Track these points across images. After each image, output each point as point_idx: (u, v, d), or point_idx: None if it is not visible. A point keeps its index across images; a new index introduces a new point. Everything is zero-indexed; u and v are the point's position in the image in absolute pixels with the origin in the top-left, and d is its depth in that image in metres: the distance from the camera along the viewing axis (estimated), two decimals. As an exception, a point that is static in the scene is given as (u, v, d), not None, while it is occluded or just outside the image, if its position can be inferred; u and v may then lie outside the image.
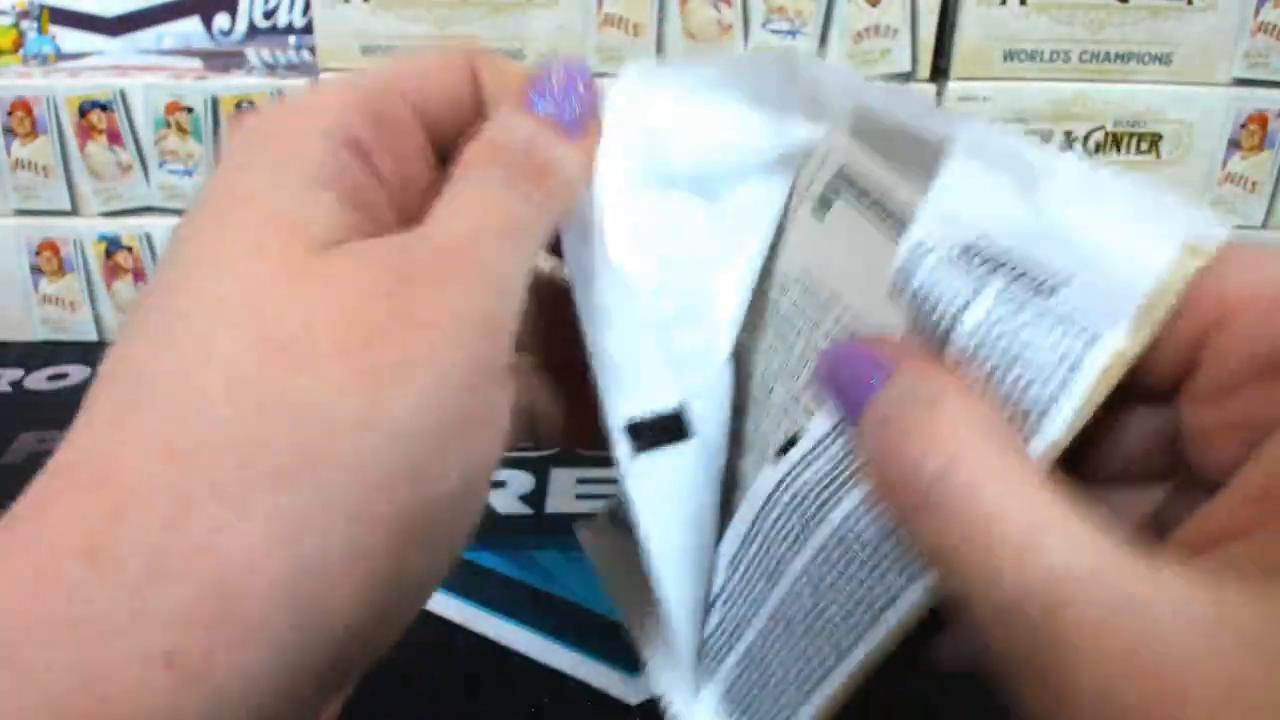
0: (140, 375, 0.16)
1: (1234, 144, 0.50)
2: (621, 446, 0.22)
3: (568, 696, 0.30)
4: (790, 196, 0.24)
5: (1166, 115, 0.49)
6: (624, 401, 0.22)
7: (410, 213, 0.20)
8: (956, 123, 0.18)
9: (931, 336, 0.17)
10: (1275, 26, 0.48)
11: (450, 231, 0.18)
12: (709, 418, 0.23)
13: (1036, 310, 0.16)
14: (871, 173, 0.22)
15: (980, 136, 0.18)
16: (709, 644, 0.23)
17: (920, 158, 0.19)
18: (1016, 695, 0.15)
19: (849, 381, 0.18)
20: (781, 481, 0.20)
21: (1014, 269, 0.17)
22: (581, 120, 0.22)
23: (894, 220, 0.21)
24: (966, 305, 0.16)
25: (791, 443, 0.20)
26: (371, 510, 0.16)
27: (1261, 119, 0.50)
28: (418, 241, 0.18)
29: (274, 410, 0.16)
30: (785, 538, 0.21)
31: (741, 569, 0.22)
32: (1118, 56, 0.49)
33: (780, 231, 0.24)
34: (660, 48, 0.48)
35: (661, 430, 0.22)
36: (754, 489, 0.21)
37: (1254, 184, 0.51)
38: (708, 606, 0.23)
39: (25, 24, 0.60)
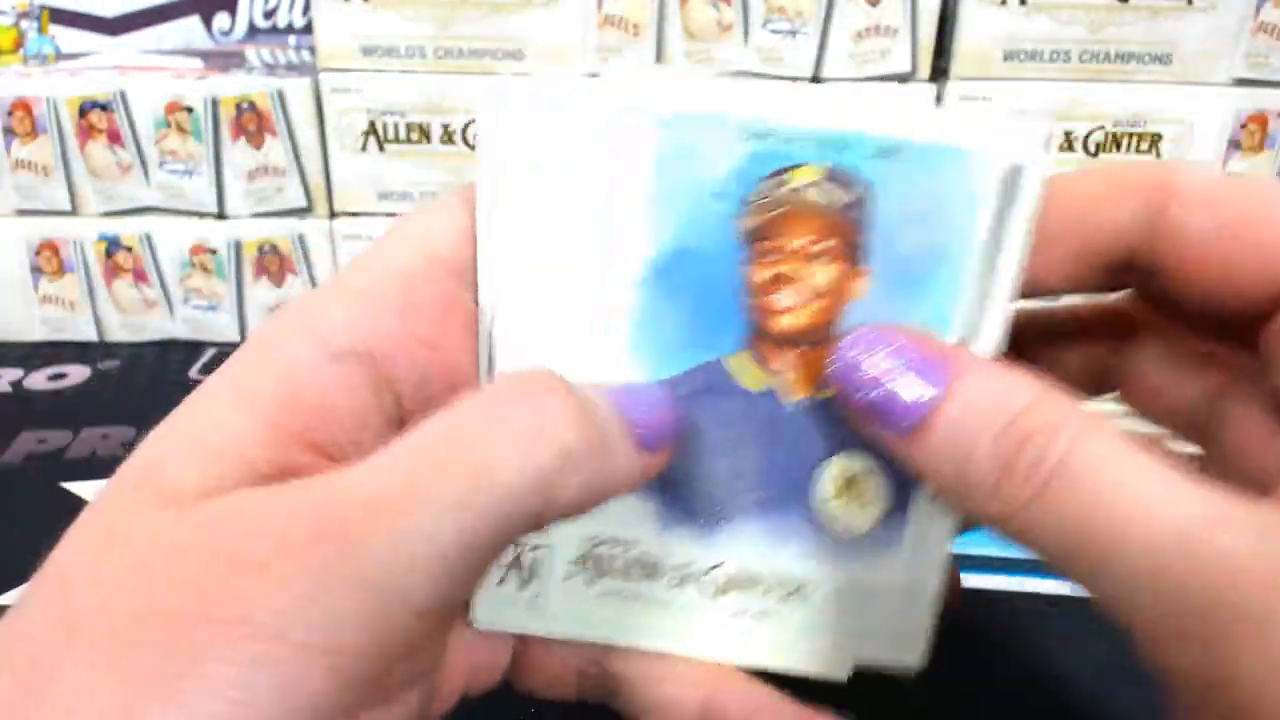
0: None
1: (1234, 144, 0.50)
2: None
3: (568, 696, 0.30)
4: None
5: (1166, 115, 0.49)
6: None
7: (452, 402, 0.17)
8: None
9: None
10: (1275, 26, 0.48)
11: (363, 489, 0.15)
12: None
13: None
14: None
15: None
16: None
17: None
18: (1185, 698, 0.15)
19: (897, 390, 0.17)
20: None
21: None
22: (658, 439, 0.19)
23: None
24: None
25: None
26: None
27: (1261, 119, 0.50)
28: (305, 507, 0.15)
29: (40, 693, 0.14)
30: None
31: None
32: (1118, 56, 0.49)
33: None
34: (660, 48, 0.48)
35: None
36: None
37: (1254, 184, 0.51)
38: None
39: (25, 24, 0.60)
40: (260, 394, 0.17)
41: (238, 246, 0.52)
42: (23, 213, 0.52)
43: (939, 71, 0.49)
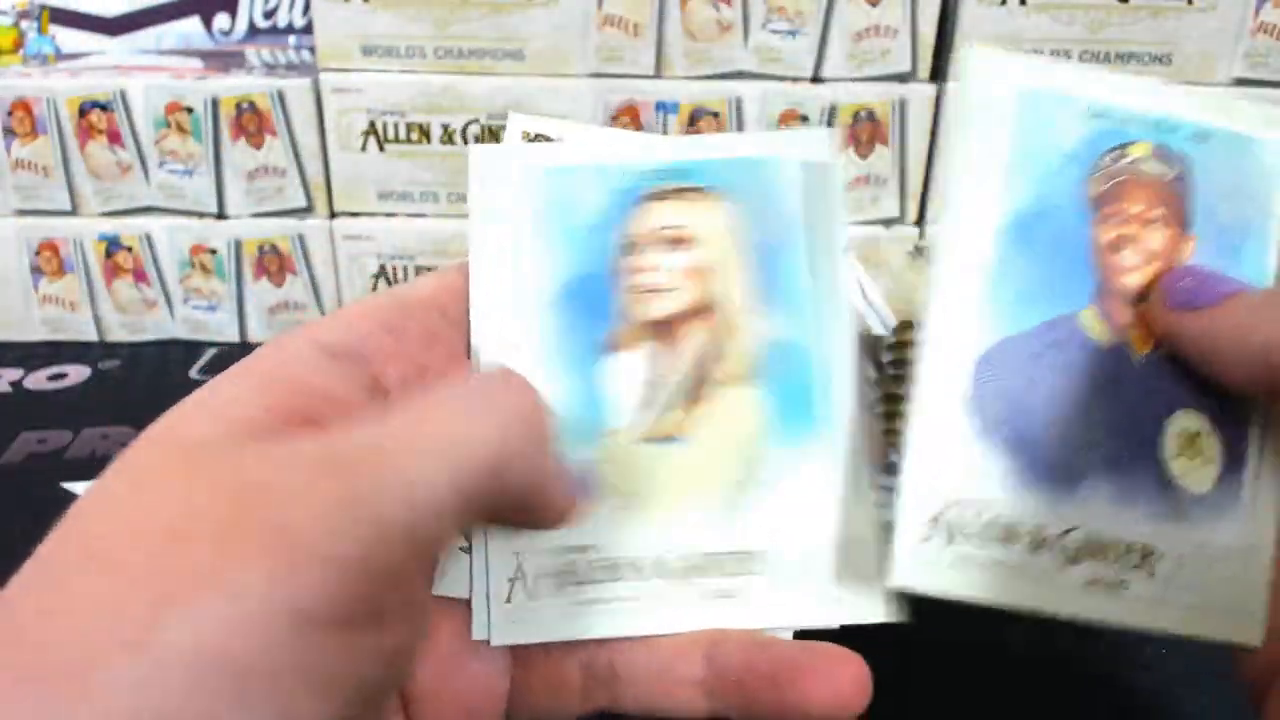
0: (16, 579, 0.16)
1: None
2: None
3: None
4: None
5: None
6: None
7: None
8: None
9: None
10: (1275, 26, 0.48)
11: (362, 440, 0.17)
12: None
13: None
14: None
15: None
16: None
17: None
18: None
19: (1206, 281, 0.21)
20: None
21: None
22: None
23: None
24: None
25: None
26: None
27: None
28: (311, 450, 0.17)
29: (63, 612, 0.15)
30: None
31: None
32: (1118, 56, 0.49)
33: None
34: (660, 48, 0.48)
35: None
36: None
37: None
38: None
39: (25, 24, 0.60)
40: (267, 379, 0.19)
41: (238, 246, 0.52)
42: (23, 213, 0.52)
43: (939, 71, 0.50)
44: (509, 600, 0.22)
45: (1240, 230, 0.22)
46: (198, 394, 0.19)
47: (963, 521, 0.21)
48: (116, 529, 0.16)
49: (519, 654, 0.23)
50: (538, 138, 0.25)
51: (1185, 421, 0.22)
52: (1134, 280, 0.22)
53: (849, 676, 0.21)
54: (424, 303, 0.22)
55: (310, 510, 0.16)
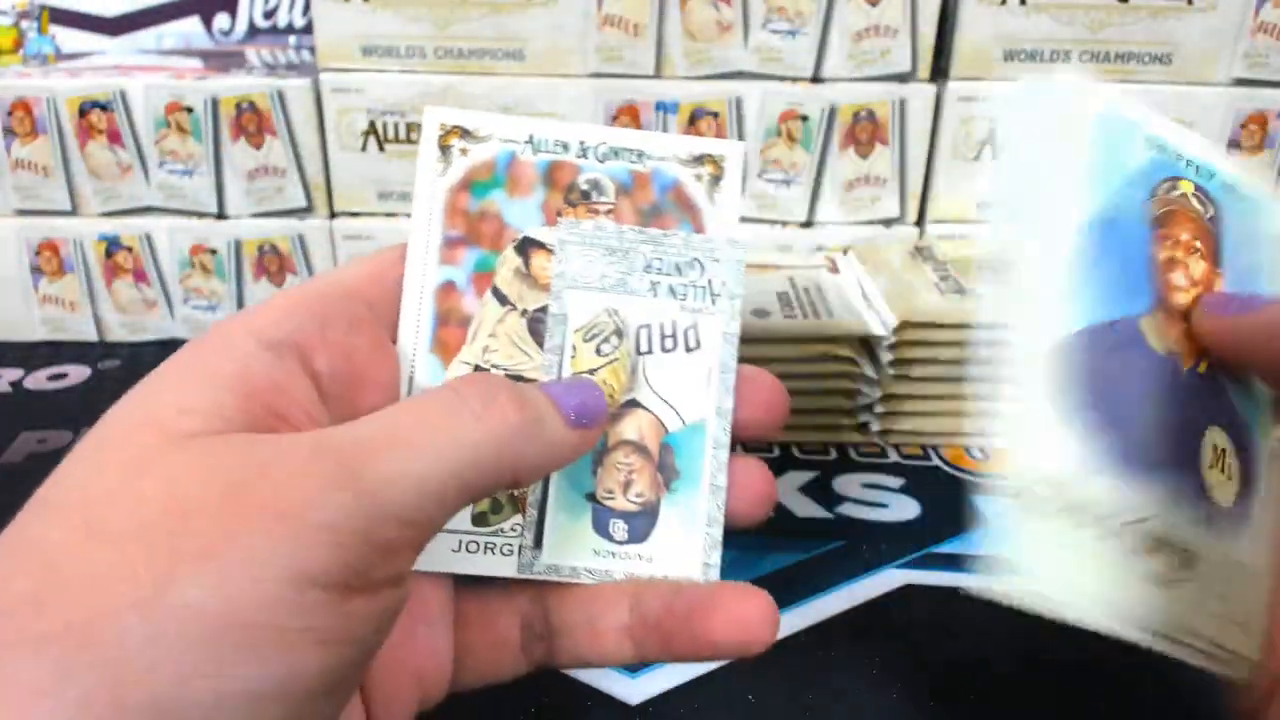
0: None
1: (1234, 144, 0.50)
2: None
3: (567, 696, 0.30)
4: None
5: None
6: None
7: (363, 402, 0.22)
8: None
9: None
10: (1275, 26, 0.48)
11: (354, 434, 0.19)
12: None
13: None
14: None
15: None
16: None
17: None
18: None
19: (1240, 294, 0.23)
20: None
21: None
22: (586, 419, 0.22)
23: None
24: None
25: None
26: (119, 698, 0.15)
27: (1261, 119, 0.50)
28: (304, 439, 0.18)
29: (61, 580, 0.16)
30: None
31: None
32: (1118, 56, 0.49)
33: None
34: (660, 48, 0.48)
35: None
36: None
37: (1254, 184, 0.51)
38: None
39: (25, 24, 0.60)
40: (218, 373, 0.20)
41: (238, 246, 0.52)
42: (23, 213, 0.52)
43: (939, 71, 0.50)
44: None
45: (1253, 276, 0.24)
46: (152, 389, 0.19)
47: (1043, 499, 0.22)
48: (115, 506, 0.17)
49: (461, 618, 0.24)
50: (454, 130, 0.25)
51: (1215, 437, 0.23)
52: (1181, 299, 0.24)
53: (753, 609, 0.22)
54: (348, 291, 0.23)
55: (310, 488, 0.17)
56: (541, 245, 0.25)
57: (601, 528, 0.24)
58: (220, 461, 0.18)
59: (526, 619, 0.24)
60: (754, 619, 0.22)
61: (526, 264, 0.25)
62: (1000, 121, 0.24)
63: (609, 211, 0.25)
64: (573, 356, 0.25)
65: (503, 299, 0.25)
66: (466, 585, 0.25)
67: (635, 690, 0.30)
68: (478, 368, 0.25)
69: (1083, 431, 0.22)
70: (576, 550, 0.24)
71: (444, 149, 0.25)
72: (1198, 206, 0.24)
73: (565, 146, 0.26)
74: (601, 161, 0.26)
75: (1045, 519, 0.21)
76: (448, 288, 0.25)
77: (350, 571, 0.17)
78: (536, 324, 0.25)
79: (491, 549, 0.24)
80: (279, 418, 0.20)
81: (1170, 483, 0.22)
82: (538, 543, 0.24)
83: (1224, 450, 0.23)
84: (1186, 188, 0.24)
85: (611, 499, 0.25)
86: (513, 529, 0.24)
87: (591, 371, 0.24)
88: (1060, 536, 0.21)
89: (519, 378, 0.25)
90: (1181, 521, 0.22)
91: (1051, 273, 0.23)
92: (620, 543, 0.24)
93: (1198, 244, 0.24)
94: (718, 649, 0.23)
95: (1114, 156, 0.24)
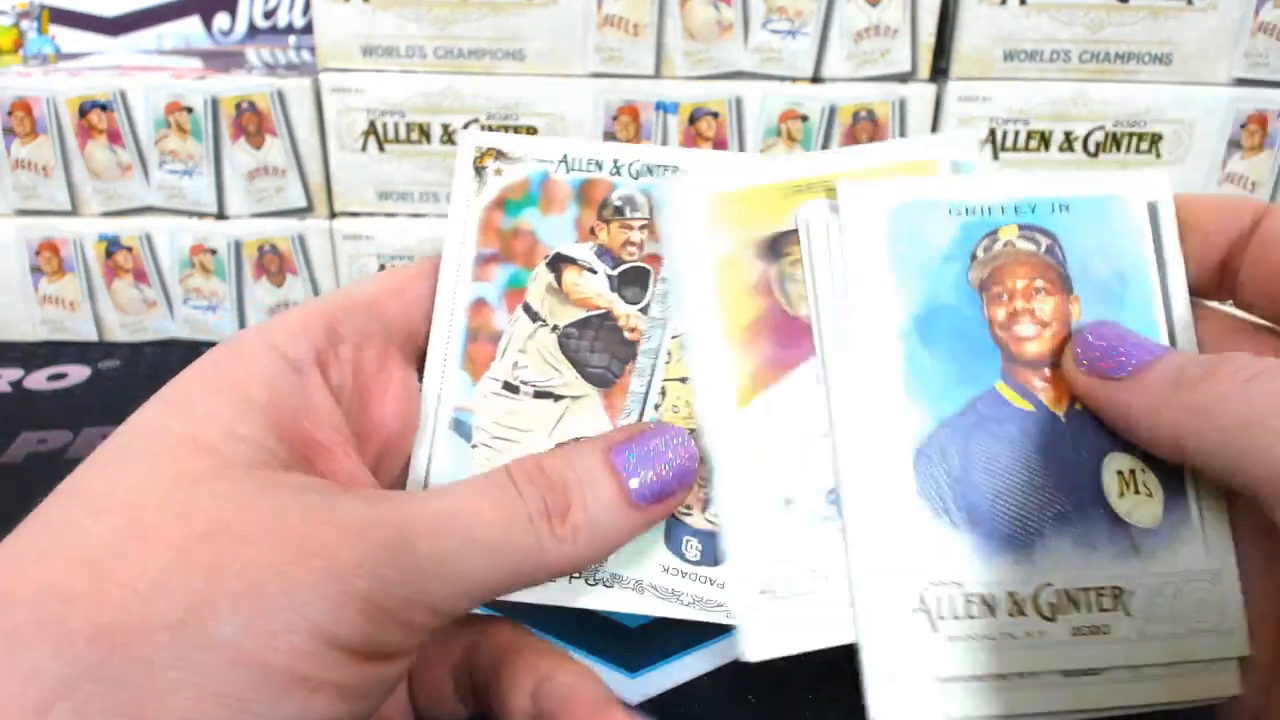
0: (32, 529, 0.18)
1: (1234, 144, 0.50)
2: None
3: (568, 696, 0.30)
4: None
5: (1166, 115, 0.49)
6: None
7: (369, 416, 0.23)
8: None
9: None
10: (1275, 26, 0.48)
11: (412, 511, 0.19)
12: None
13: None
14: None
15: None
16: None
17: None
18: None
19: (1122, 350, 0.22)
20: None
21: None
22: (662, 494, 0.21)
23: None
24: None
25: None
26: (140, 712, 0.16)
27: (1261, 119, 0.50)
28: (361, 501, 0.19)
29: (99, 579, 0.16)
30: None
31: None
32: (1118, 56, 0.49)
33: None
34: (660, 48, 0.48)
35: None
36: None
37: (1254, 184, 0.51)
38: None
39: (25, 24, 0.60)
40: (252, 396, 0.20)
41: (238, 246, 0.52)
42: (23, 213, 0.52)
43: (939, 71, 0.50)
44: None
45: (1119, 280, 0.24)
46: (186, 403, 0.20)
47: (942, 603, 0.22)
48: (165, 515, 0.17)
49: (411, 670, 0.24)
50: (490, 151, 0.26)
51: (1118, 463, 0.23)
52: (1034, 348, 0.23)
53: None
54: (361, 305, 0.23)
55: (359, 556, 0.18)
56: (573, 261, 0.25)
57: (675, 544, 0.23)
58: (277, 501, 0.18)
59: (456, 669, 0.24)
60: None
61: (558, 280, 0.25)
62: (804, 251, 0.24)
63: (643, 227, 0.25)
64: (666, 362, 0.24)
65: (534, 315, 0.25)
66: None
67: (635, 690, 0.30)
68: (507, 384, 0.24)
69: (960, 527, 0.22)
70: (644, 564, 0.23)
71: (479, 170, 0.26)
72: (1027, 246, 0.24)
73: (599, 165, 0.25)
74: (635, 178, 0.25)
75: (950, 622, 0.22)
76: (479, 304, 0.25)
77: (371, 642, 0.18)
78: (567, 339, 0.25)
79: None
80: (311, 443, 0.20)
81: (1075, 532, 0.22)
82: None
83: (1132, 471, 0.23)
84: (1008, 233, 0.24)
85: (688, 515, 0.23)
86: None
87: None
88: (968, 632, 0.22)
89: (550, 394, 0.24)
90: (1098, 563, 0.22)
91: (882, 385, 0.23)
92: (693, 563, 0.23)
93: (1039, 283, 0.24)
94: None
95: (918, 245, 0.24)
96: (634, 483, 0.21)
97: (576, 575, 0.23)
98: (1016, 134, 0.50)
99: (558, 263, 0.25)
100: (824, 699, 0.30)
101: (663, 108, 0.49)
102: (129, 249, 0.52)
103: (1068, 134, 0.50)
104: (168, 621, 0.16)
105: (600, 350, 0.25)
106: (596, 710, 0.22)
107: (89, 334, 0.54)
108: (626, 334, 0.25)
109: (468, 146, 0.26)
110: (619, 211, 0.25)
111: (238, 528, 0.17)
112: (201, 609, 0.16)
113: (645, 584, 0.23)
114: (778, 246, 0.24)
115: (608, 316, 0.25)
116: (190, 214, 0.52)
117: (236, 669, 0.16)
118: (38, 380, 0.50)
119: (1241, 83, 0.49)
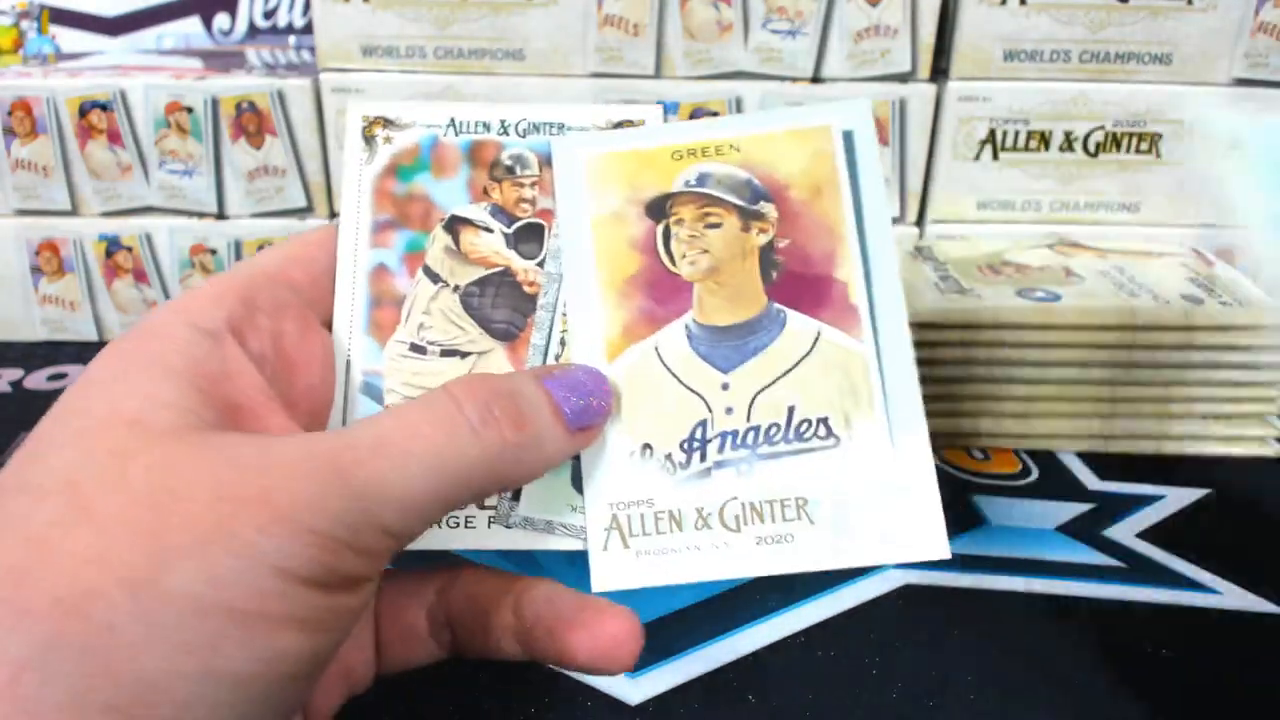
0: None
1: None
2: None
3: (567, 696, 0.30)
4: None
5: (1166, 115, 0.49)
6: None
7: (296, 383, 0.23)
8: None
9: None
10: (1275, 26, 0.48)
11: (346, 440, 0.19)
12: None
13: None
14: None
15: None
16: None
17: None
18: None
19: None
20: None
21: None
22: (589, 422, 0.23)
23: None
24: None
25: None
26: (110, 671, 0.16)
27: (1261, 119, 0.50)
28: (293, 442, 0.19)
29: (48, 558, 0.16)
30: None
31: None
32: (1118, 56, 0.49)
33: None
34: (660, 48, 0.48)
35: None
36: None
37: (1254, 184, 0.51)
38: None
39: (25, 24, 0.60)
40: (171, 366, 0.20)
41: (238, 246, 0.52)
42: (23, 213, 0.52)
43: (939, 71, 0.50)
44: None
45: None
46: (107, 382, 0.20)
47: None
48: (104, 491, 0.17)
49: (379, 613, 0.25)
50: (377, 120, 0.26)
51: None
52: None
53: (613, 631, 0.23)
54: (272, 276, 0.24)
55: (301, 491, 0.18)
56: (469, 222, 0.26)
57: (579, 482, 0.24)
58: (209, 457, 0.18)
59: (431, 610, 0.25)
60: (613, 641, 0.23)
61: (456, 241, 0.26)
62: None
63: (534, 184, 0.26)
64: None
65: (434, 277, 0.26)
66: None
67: (635, 690, 0.30)
68: (414, 345, 0.25)
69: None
70: (554, 504, 0.24)
71: (368, 139, 0.26)
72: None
73: (486, 126, 0.26)
74: (523, 137, 0.26)
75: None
76: (380, 270, 0.26)
77: (332, 572, 0.18)
78: (469, 298, 0.25)
79: (471, 523, 0.25)
80: (236, 407, 0.21)
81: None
82: (516, 495, 0.24)
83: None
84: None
85: None
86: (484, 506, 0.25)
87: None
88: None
89: (456, 352, 0.25)
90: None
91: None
92: None
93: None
94: (580, 666, 0.23)
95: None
96: (566, 408, 0.22)
97: (494, 519, 0.24)
98: (1016, 134, 0.50)
99: (454, 224, 0.26)
100: (824, 699, 0.30)
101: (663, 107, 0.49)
102: (129, 249, 0.52)
103: (1068, 134, 0.50)
104: (122, 583, 0.16)
105: (502, 306, 0.26)
106: (582, 604, 0.23)
107: (89, 334, 0.54)
108: (526, 289, 0.26)
109: (355, 116, 0.26)
110: (510, 170, 0.26)
111: (177, 488, 0.17)
112: (154, 567, 0.16)
113: (555, 524, 0.24)
114: (662, 205, 0.25)
115: (506, 273, 0.26)
116: (190, 214, 0.52)
117: (199, 618, 0.16)
118: (38, 380, 0.50)
119: (1241, 83, 0.49)
